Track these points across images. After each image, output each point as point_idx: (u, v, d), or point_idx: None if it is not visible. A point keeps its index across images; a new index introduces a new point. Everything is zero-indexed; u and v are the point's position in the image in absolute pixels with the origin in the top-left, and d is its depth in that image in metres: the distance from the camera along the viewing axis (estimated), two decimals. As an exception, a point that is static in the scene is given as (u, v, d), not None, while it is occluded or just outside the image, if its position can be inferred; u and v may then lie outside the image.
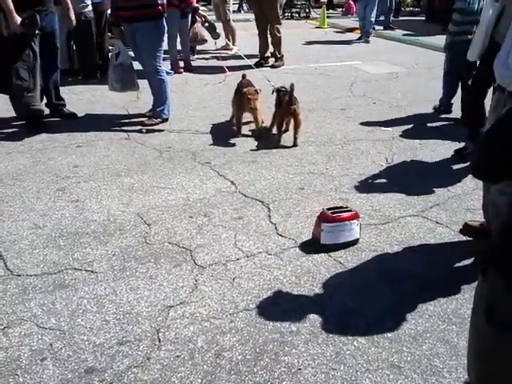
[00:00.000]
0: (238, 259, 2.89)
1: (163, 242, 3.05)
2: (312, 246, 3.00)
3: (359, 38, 10.69)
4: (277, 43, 7.90)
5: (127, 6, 4.73)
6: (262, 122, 4.91)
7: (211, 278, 2.71)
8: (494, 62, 2.67)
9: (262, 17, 7.69)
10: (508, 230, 1.30)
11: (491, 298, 1.30)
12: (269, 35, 7.82)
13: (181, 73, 7.46)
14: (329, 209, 3.04)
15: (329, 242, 2.96)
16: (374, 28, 10.87)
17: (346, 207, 3.13)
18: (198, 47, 8.63)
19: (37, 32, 4.62)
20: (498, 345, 1.31)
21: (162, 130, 5.02)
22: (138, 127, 5.07)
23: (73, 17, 5.42)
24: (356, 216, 3.02)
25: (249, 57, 7.20)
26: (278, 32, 7.76)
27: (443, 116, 5.51)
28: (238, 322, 2.38)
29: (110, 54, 5.67)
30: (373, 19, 10.55)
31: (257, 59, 7.91)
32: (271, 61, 8.02)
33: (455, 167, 4.14)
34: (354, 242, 3.02)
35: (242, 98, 4.74)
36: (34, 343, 2.25)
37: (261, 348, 2.23)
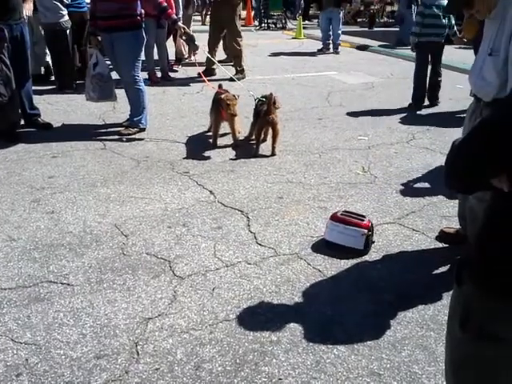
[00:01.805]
0: (217, 269, 2.87)
1: (141, 253, 3.02)
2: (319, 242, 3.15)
3: (320, 50, 10.81)
4: (237, 56, 7.82)
5: (106, 15, 4.70)
6: (239, 133, 4.90)
7: (190, 289, 2.68)
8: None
9: (220, 29, 7.74)
10: (484, 237, 1.31)
11: (466, 307, 1.29)
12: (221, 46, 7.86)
13: (158, 83, 7.45)
14: (346, 211, 3.16)
15: (328, 238, 3.09)
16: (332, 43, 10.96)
17: (364, 217, 3.14)
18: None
19: (6, 44, 4.56)
20: (473, 354, 1.30)
21: (140, 140, 4.99)
22: (115, 137, 5.03)
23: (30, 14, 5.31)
24: (362, 226, 3.02)
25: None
26: (238, 45, 7.74)
27: (419, 127, 5.62)
28: (218, 333, 2.36)
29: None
30: (340, 31, 10.74)
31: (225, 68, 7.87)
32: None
33: (430, 175, 4.21)
34: (358, 252, 3.00)
35: (220, 104, 4.68)
36: (8, 358, 2.19)
37: (241, 359, 2.21)
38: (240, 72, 7.82)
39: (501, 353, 1.26)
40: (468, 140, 1.22)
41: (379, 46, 11.42)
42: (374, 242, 3.11)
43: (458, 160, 1.25)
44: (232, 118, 4.68)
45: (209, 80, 6.45)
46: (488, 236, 1.28)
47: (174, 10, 6.53)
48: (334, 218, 3.10)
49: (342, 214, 3.12)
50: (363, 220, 3.09)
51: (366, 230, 3.02)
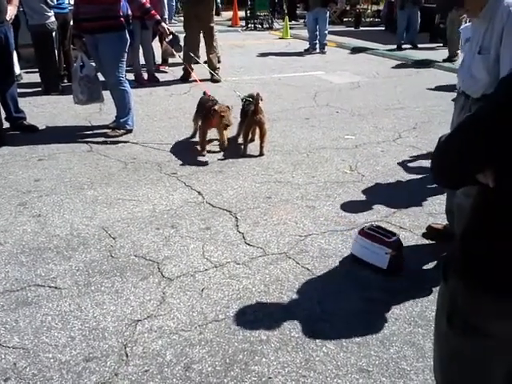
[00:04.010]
0: (206, 270, 2.87)
1: (129, 255, 3.00)
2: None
3: (306, 50, 10.84)
4: (213, 51, 7.67)
5: (89, 17, 4.68)
6: (228, 142, 4.80)
7: (179, 290, 2.68)
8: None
9: (197, 28, 7.62)
10: (469, 232, 1.31)
11: (452, 302, 1.30)
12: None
13: (145, 84, 7.42)
14: (378, 226, 2.98)
15: (354, 252, 2.97)
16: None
17: (394, 234, 2.93)
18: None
19: None
20: (460, 349, 1.31)
21: (127, 142, 4.97)
22: (102, 139, 5.00)
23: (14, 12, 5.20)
24: (385, 244, 2.82)
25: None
26: (211, 37, 7.62)
27: (405, 125, 5.67)
28: (207, 334, 2.36)
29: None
30: (327, 31, 10.77)
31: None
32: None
33: (416, 173, 4.25)
34: (382, 271, 2.82)
35: (214, 116, 4.51)
36: (-5, 364, 2.17)
37: (230, 358, 2.22)
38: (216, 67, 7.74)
39: (487, 347, 1.27)
40: (454, 135, 1.23)
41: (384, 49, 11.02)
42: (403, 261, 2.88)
43: (444, 155, 1.25)
44: (226, 128, 4.58)
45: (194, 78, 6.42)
46: (474, 231, 1.29)
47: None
48: (360, 231, 2.95)
49: (369, 229, 2.93)
50: (390, 237, 2.86)
51: (390, 251, 2.80)
